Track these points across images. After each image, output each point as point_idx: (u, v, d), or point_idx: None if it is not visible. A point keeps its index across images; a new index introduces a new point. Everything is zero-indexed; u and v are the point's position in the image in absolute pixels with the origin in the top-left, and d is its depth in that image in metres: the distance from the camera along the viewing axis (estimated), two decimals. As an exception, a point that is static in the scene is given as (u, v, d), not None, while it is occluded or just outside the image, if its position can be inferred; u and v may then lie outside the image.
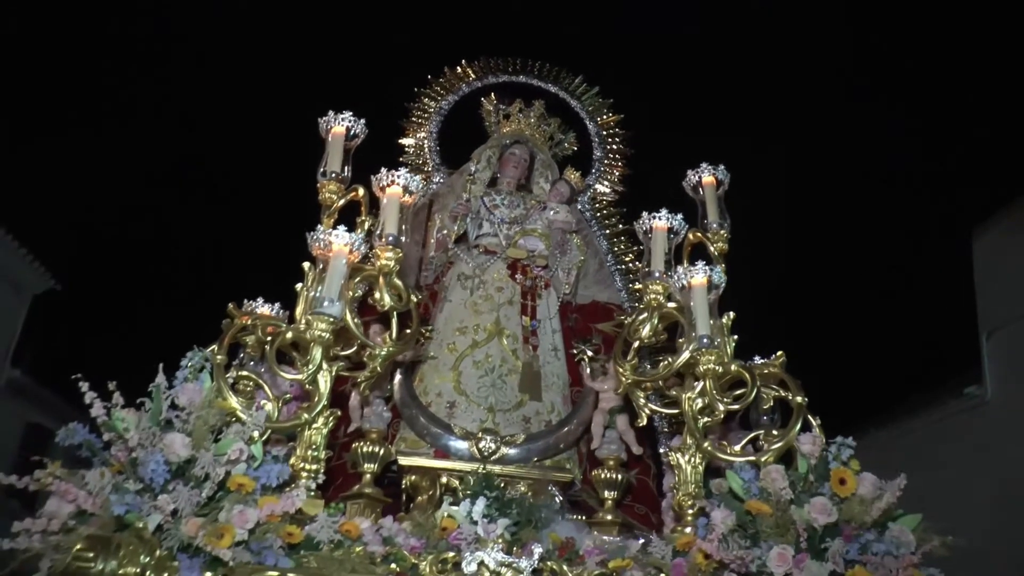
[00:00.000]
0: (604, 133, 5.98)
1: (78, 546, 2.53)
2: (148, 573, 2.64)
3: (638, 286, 5.55)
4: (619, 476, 4.30)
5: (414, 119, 5.90)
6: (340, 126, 4.00)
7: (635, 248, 5.65)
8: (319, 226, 3.58)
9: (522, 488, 4.30)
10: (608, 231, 5.79)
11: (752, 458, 3.49)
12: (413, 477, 4.51)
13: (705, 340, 3.48)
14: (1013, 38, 12.60)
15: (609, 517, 4.20)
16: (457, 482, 4.40)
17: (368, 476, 4.08)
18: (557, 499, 4.30)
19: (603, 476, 4.31)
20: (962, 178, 13.66)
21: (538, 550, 3.14)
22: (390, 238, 3.58)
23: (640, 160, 5.94)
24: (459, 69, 6.03)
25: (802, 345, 4.01)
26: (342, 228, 3.46)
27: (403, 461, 4.47)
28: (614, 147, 5.95)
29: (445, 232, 5.26)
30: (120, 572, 2.50)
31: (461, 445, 4.52)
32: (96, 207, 14.63)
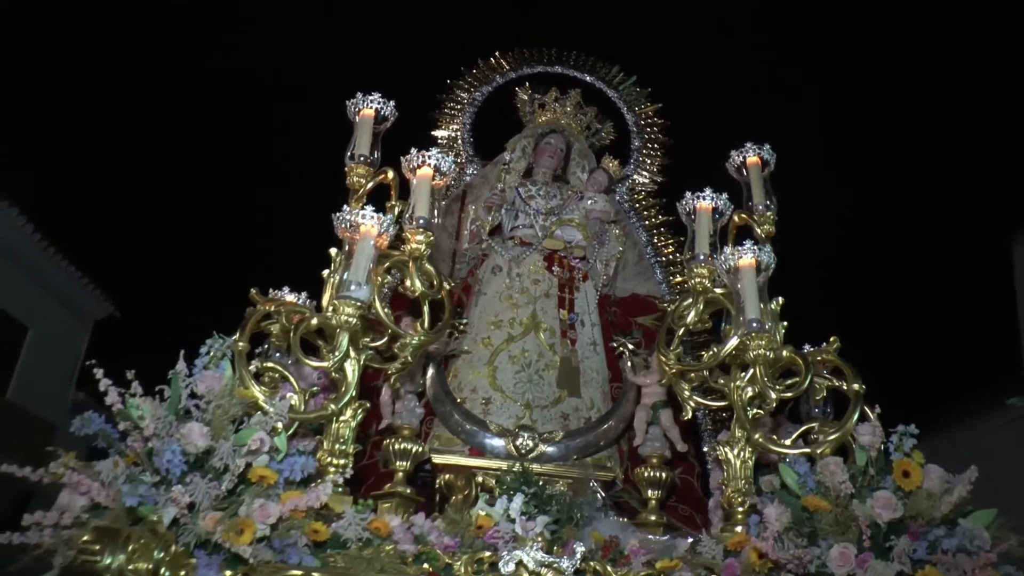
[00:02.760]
0: (642, 122, 5.79)
1: (84, 538, 2.37)
2: (163, 570, 2.47)
3: (679, 279, 5.38)
4: (663, 475, 4.07)
5: (447, 110, 5.76)
6: (369, 108, 3.84)
7: (676, 240, 5.45)
8: (344, 207, 3.41)
9: (561, 487, 4.11)
10: (647, 222, 5.59)
11: (807, 451, 3.26)
12: (448, 476, 4.34)
13: (755, 324, 3.27)
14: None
15: (653, 517, 3.98)
16: (493, 481, 4.22)
17: (400, 474, 3.89)
18: (599, 496, 4.10)
19: (646, 475, 4.09)
20: (1004, 188, 13.34)
21: (580, 549, 2.93)
22: (421, 221, 3.41)
23: (680, 148, 5.74)
24: (492, 60, 5.88)
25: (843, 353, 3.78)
26: (370, 208, 3.30)
27: (437, 459, 4.30)
28: (653, 136, 5.75)
29: (479, 223, 5.10)
30: (130, 567, 2.33)
31: (497, 443, 4.34)
32: (148, 234, 15.02)
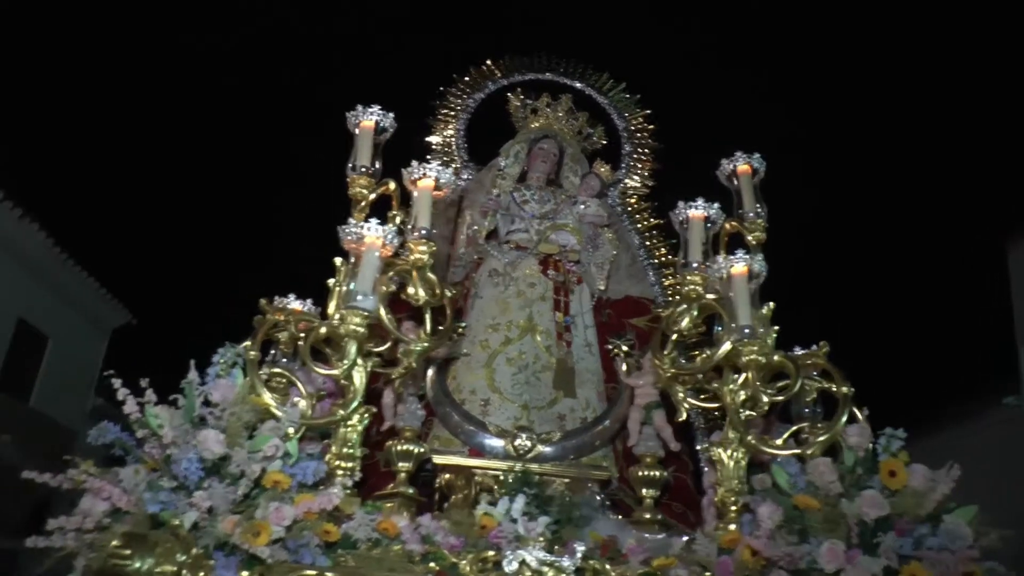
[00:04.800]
0: (632, 128, 5.90)
1: (114, 543, 2.48)
2: (184, 572, 2.59)
3: (671, 281, 5.50)
4: (658, 473, 4.21)
5: (441, 116, 5.84)
6: (369, 120, 3.94)
7: (668, 242, 5.57)
8: (350, 220, 3.52)
9: (558, 487, 4.22)
10: (639, 225, 5.70)
11: (798, 451, 3.39)
12: (448, 476, 4.44)
13: (747, 330, 3.39)
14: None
15: (648, 515, 4.11)
16: (492, 481, 4.34)
17: (403, 475, 4.02)
18: (597, 497, 4.22)
19: (641, 474, 4.23)
20: (999, 187, 13.51)
21: (580, 549, 3.06)
22: (423, 231, 3.52)
23: (670, 152, 5.86)
24: (485, 67, 5.97)
25: (837, 354, 3.91)
26: (374, 221, 3.41)
27: (438, 460, 4.40)
28: (643, 141, 5.86)
29: (475, 228, 5.20)
30: (157, 570, 2.45)
31: (496, 443, 4.46)
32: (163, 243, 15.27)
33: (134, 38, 15.13)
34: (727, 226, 4.01)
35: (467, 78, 5.95)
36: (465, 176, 5.68)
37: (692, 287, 3.77)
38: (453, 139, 5.83)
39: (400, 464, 4.04)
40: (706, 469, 4.67)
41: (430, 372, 4.62)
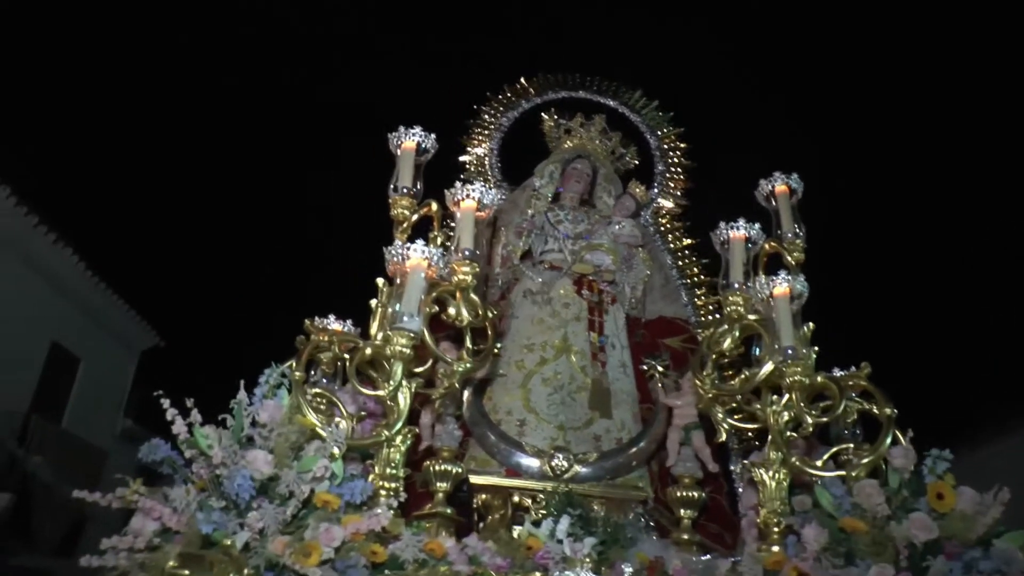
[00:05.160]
0: (665, 147, 5.93)
1: (171, 564, 2.50)
2: (236, 592, 2.60)
3: (704, 300, 5.51)
4: (696, 494, 4.19)
5: (475, 135, 5.89)
6: (410, 141, 3.97)
7: (701, 262, 5.58)
8: (396, 241, 3.55)
9: (596, 507, 4.22)
10: (672, 245, 5.73)
11: (842, 473, 3.38)
12: (484, 496, 4.45)
13: (790, 351, 3.39)
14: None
15: (685, 536, 4.08)
16: (529, 501, 4.35)
17: (441, 495, 4.01)
18: (641, 517, 4.21)
19: (679, 495, 4.19)
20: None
21: (627, 569, 3.07)
22: (466, 252, 3.54)
23: (704, 172, 5.89)
24: (519, 85, 6.02)
25: (877, 368, 3.90)
26: (420, 242, 3.43)
27: (475, 480, 4.41)
28: (676, 160, 5.89)
29: (511, 249, 5.23)
30: (212, 591, 2.46)
31: (532, 463, 4.47)
32: (191, 266, 15.58)
33: (167, 62, 15.33)
34: (766, 246, 4.01)
35: (500, 96, 6.01)
36: (499, 195, 5.70)
37: (734, 307, 3.77)
38: (487, 158, 5.89)
39: (438, 484, 4.03)
40: (741, 490, 4.66)
41: (467, 393, 4.64)
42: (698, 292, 5.58)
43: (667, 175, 5.88)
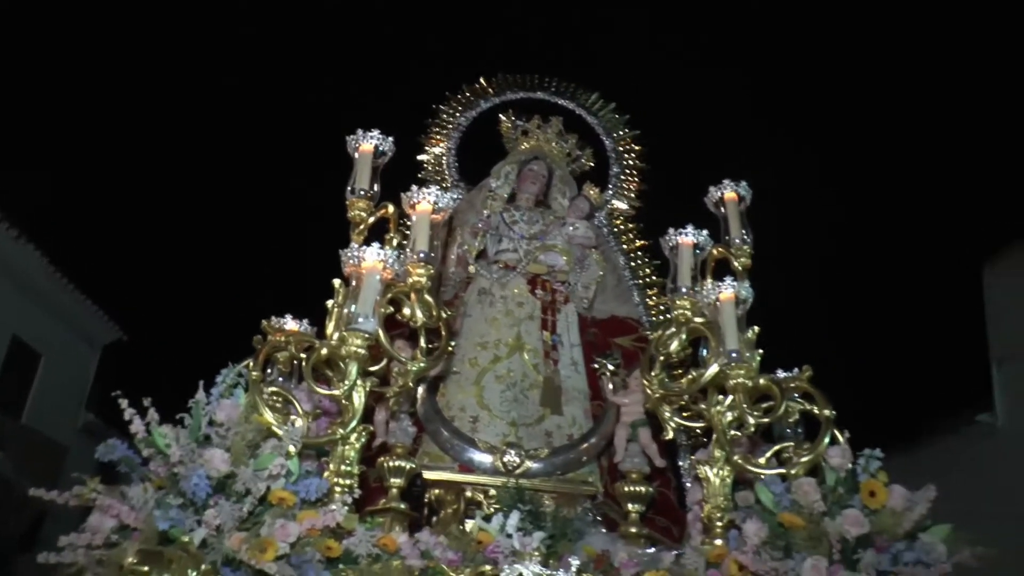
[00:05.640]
0: (620, 149, 6.04)
1: (131, 560, 2.56)
2: (194, 587, 2.67)
3: (655, 301, 5.63)
4: (644, 489, 4.31)
5: (433, 135, 5.95)
6: (368, 144, 4.04)
7: (653, 263, 5.70)
8: (352, 243, 3.62)
9: (547, 502, 4.33)
10: (625, 246, 5.83)
11: (782, 471, 3.53)
12: (437, 491, 4.53)
13: (735, 354, 3.52)
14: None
15: (633, 530, 4.20)
16: (481, 496, 4.44)
17: (395, 490, 4.10)
18: (588, 511, 4.33)
19: (627, 489, 4.31)
20: (975, 211, 13.83)
21: (575, 563, 3.18)
22: (421, 255, 3.62)
23: (657, 174, 6.00)
24: (477, 85, 6.09)
25: (817, 371, 4.07)
26: (375, 245, 3.51)
27: (429, 475, 4.49)
28: (630, 163, 6.00)
29: (466, 248, 5.30)
30: (171, 586, 2.53)
31: (485, 459, 4.55)
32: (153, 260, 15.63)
33: (125, 52, 15.20)
34: (714, 252, 4.14)
35: (459, 96, 6.07)
36: (455, 195, 5.77)
37: (681, 311, 3.89)
38: (444, 157, 5.95)
39: (392, 480, 4.11)
40: (689, 485, 4.80)
41: (420, 390, 4.70)
42: (650, 292, 5.68)
43: (622, 177, 5.98)
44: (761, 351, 3.79)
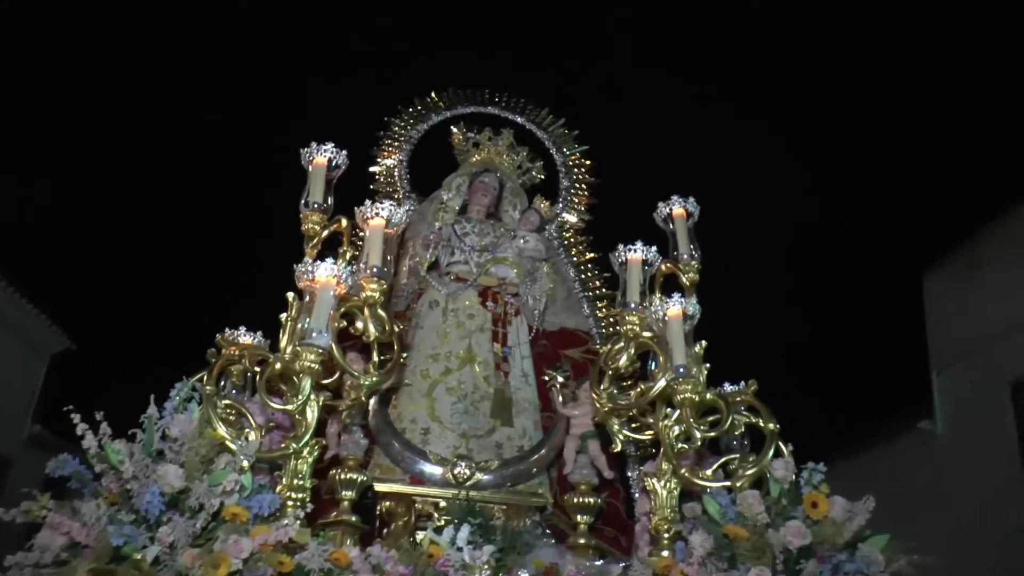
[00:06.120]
0: (570, 163, 6.12)
1: (82, 579, 2.55)
2: (147, 605, 2.67)
3: (605, 313, 5.71)
4: (593, 500, 4.37)
5: (385, 146, 5.97)
6: (322, 156, 4.06)
7: (603, 275, 5.78)
8: (305, 257, 3.64)
9: (497, 514, 4.37)
10: (576, 259, 5.91)
11: (727, 483, 3.61)
12: (388, 503, 4.56)
13: (682, 370, 3.60)
14: (968, 84, 13.16)
15: (582, 541, 4.26)
16: (432, 508, 4.47)
17: (346, 503, 4.10)
18: (539, 525, 4.37)
19: (576, 500, 4.37)
20: (914, 220, 14.19)
21: (524, 575, 3.22)
22: (375, 269, 3.65)
23: (607, 188, 6.09)
24: (429, 99, 6.13)
25: (765, 379, 4.17)
26: (329, 260, 3.53)
27: (380, 487, 4.51)
28: (580, 176, 6.08)
29: (417, 260, 5.32)
30: (123, 604, 2.53)
31: (435, 471, 4.58)
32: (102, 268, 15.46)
33: (76, 54, 14.99)
34: (663, 267, 4.23)
35: (411, 108, 6.10)
36: (407, 207, 5.80)
37: (630, 326, 3.97)
38: (396, 169, 5.97)
39: (344, 492, 4.12)
40: (637, 496, 4.89)
41: (372, 401, 4.71)
42: (599, 304, 5.76)
43: (572, 191, 6.06)
44: (708, 365, 3.87)
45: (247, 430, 3.45)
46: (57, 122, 15.34)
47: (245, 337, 4.07)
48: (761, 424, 3.83)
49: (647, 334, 3.92)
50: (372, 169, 5.93)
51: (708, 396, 3.69)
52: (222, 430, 3.23)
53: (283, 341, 3.60)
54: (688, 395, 3.58)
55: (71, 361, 14.72)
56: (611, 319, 5.63)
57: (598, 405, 4.02)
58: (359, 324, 3.73)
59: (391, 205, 3.84)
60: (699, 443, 3.67)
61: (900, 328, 13.27)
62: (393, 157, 5.99)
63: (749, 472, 3.59)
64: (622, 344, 3.99)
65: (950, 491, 10.87)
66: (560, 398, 4.91)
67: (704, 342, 3.89)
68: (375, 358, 3.78)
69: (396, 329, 3.79)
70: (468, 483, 4.52)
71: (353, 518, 4.06)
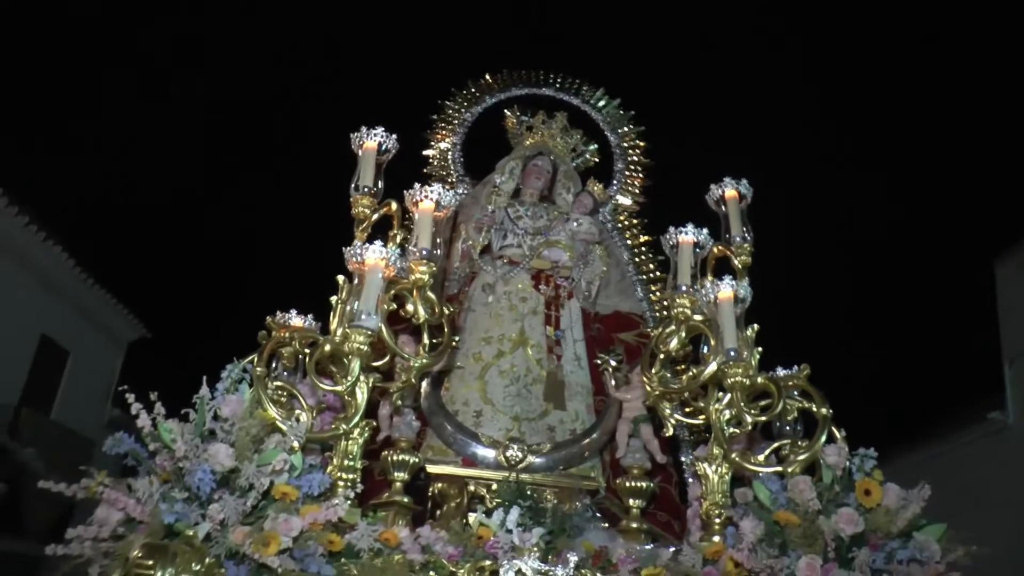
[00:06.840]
0: (625, 145, 6.06)
1: (136, 553, 2.62)
2: (197, 580, 2.73)
3: (658, 296, 5.66)
4: (645, 485, 4.35)
5: (439, 130, 5.98)
6: (372, 141, 4.08)
7: (657, 258, 5.72)
8: (355, 241, 3.67)
9: (549, 496, 4.37)
10: (630, 241, 5.86)
11: (779, 469, 3.56)
12: (441, 485, 4.58)
13: (733, 353, 3.56)
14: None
15: (634, 525, 4.24)
16: (484, 490, 4.49)
17: (398, 484, 4.14)
18: (589, 508, 4.37)
19: (628, 485, 4.35)
20: (986, 204, 13.83)
21: (573, 558, 3.23)
22: (424, 252, 3.66)
23: (661, 170, 6.02)
24: (483, 81, 6.12)
25: (830, 367, 4.10)
26: (378, 243, 3.55)
27: (432, 469, 4.54)
28: (635, 159, 6.02)
29: (470, 243, 5.33)
30: (173, 579, 2.59)
31: (488, 453, 4.60)
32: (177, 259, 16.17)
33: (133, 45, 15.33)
34: (715, 250, 4.17)
35: (465, 91, 6.10)
36: (461, 190, 5.82)
37: (681, 309, 3.93)
38: (449, 152, 5.98)
39: (396, 474, 4.16)
40: (691, 481, 4.84)
41: (424, 384, 4.75)
42: (653, 288, 5.71)
43: (626, 173, 6.00)
44: (760, 349, 3.81)
45: (297, 411, 3.50)
46: (129, 121, 15.74)
47: (296, 320, 4.12)
48: (814, 409, 3.76)
49: (698, 317, 3.88)
50: (426, 152, 5.95)
51: (760, 380, 3.64)
52: (272, 410, 3.27)
53: (333, 323, 3.64)
54: (739, 379, 3.53)
55: (148, 348, 15.66)
56: (665, 303, 5.56)
57: (649, 389, 3.99)
58: (409, 307, 3.75)
59: (440, 188, 3.84)
60: (749, 427, 3.63)
61: (971, 317, 12.96)
62: (447, 140, 6.00)
63: (801, 458, 3.54)
64: (673, 327, 3.95)
65: (1020, 483, 10.59)
66: (613, 382, 4.89)
67: (756, 326, 3.83)
68: (425, 340, 3.80)
69: (446, 311, 3.80)
70: (520, 466, 4.52)
71: (405, 499, 4.11)
